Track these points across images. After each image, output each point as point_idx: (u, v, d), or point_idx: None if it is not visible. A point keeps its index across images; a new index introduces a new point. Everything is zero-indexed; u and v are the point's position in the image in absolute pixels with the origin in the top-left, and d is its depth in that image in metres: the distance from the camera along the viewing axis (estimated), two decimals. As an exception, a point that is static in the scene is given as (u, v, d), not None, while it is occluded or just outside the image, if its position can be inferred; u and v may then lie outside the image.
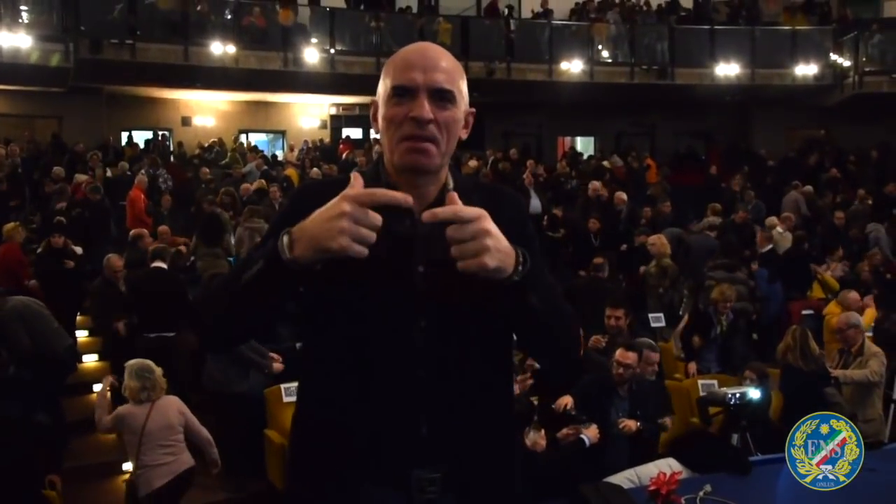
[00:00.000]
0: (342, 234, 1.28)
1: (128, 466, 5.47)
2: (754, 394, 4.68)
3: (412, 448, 1.47)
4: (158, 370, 4.62)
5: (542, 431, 4.44)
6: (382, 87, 1.52)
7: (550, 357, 1.68)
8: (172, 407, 4.62)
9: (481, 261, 1.30)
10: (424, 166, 1.47)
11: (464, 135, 1.54)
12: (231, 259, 8.35)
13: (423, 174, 1.49)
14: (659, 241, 8.47)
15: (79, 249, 8.48)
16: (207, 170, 13.13)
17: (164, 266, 6.83)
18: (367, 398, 1.47)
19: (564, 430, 4.35)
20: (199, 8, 14.42)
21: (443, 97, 1.47)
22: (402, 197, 1.33)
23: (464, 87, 1.52)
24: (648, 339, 5.76)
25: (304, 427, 1.57)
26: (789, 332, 5.80)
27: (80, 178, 11.29)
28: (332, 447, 1.49)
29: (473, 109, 1.57)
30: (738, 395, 4.60)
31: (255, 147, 16.73)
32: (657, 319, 7.86)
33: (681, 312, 7.82)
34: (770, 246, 9.42)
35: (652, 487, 2.98)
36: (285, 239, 1.33)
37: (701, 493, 3.01)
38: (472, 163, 13.40)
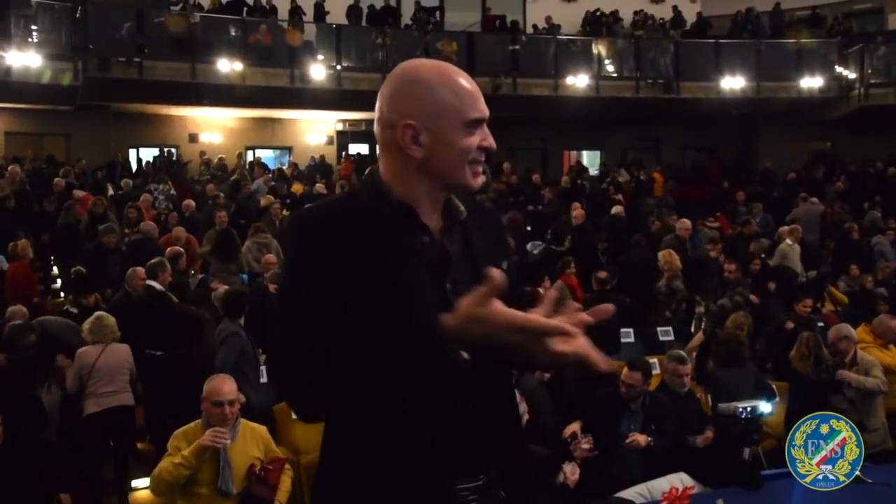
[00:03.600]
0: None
1: (136, 483, 5.61)
2: (765, 407, 4.65)
3: (452, 460, 1.49)
4: (112, 320, 5.49)
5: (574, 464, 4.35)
6: (432, 108, 1.49)
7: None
8: (122, 351, 5.44)
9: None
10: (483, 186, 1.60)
11: None
12: (244, 276, 8.33)
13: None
14: (664, 259, 8.38)
15: None
16: (213, 185, 13.16)
17: (157, 286, 6.37)
18: (405, 413, 1.46)
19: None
20: (194, 21, 14.46)
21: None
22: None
23: None
24: (678, 351, 5.62)
25: (340, 444, 1.54)
26: (801, 340, 5.72)
27: (79, 193, 11.30)
28: (370, 463, 1.48)
29: None
30: (748, 409, 4.57)
31: (261, 162, 16.77)
32: (666, 333, 7.80)
33: (693, 329, 7.73)
34: (762, 255, 9.24)
35: (664, 502, 2.96)
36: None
37: (714, 508, 2.99)
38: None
